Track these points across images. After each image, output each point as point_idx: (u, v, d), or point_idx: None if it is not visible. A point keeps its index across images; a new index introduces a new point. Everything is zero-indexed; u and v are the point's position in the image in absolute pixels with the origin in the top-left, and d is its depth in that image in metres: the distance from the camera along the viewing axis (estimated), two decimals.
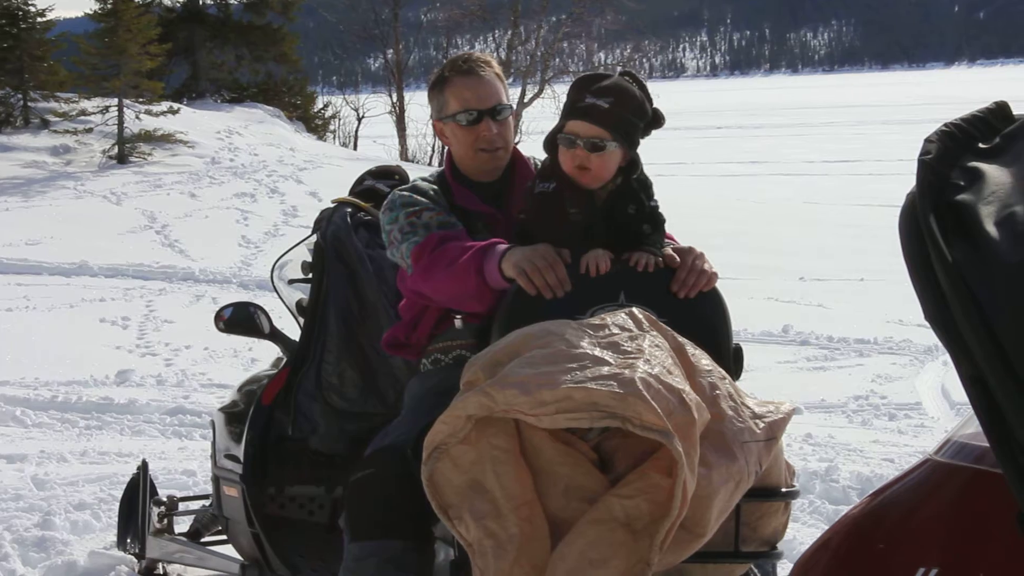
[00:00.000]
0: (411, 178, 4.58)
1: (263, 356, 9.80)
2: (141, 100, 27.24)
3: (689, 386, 3.15)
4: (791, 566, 2.61)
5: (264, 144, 28.80)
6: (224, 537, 5.66)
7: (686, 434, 3.00)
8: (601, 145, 3.77)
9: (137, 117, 26.73)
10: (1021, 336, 2.04)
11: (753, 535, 3.44)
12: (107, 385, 10.00)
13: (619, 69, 4.07)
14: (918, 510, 2.38)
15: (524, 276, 3.63)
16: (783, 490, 3.48)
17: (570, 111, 3.82)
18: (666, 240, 3.93)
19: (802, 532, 6.25)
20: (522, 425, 3.15)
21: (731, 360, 3.75)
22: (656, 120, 3.90)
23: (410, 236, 4.05)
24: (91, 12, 27.61)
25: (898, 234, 2.25)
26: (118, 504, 6.29)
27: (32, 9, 28.27)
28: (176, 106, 28.22)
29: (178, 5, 34.82)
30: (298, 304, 5.43)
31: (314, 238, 5.24)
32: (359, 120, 37.07)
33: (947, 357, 7.87)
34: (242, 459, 5.16)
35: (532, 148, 4.63)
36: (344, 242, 5.06)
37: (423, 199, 4.16)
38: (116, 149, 26.15)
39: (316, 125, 35.80)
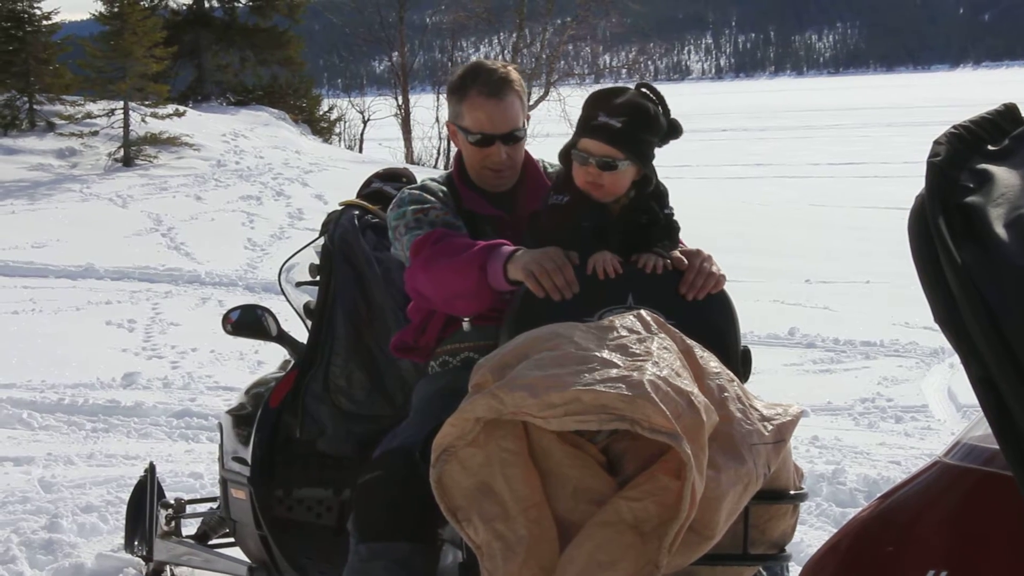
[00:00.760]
0: (418, 180, 4.58)
1: (269, 359, 9.80)
2: (147, 103, 27.25)
3: (698, 388, 3.15)
4: (799, 569, 2.60)
5: (270, 147, 28.79)
6: (232, 539, 5.66)
7: (695, 436, 3.00)
8: (613, 164, 3.78)
9: (143, 120, 26.73)
10: None
11: (762, 537, 3.44)
12: (114, 388, 10.01)
13: (636, 82, 4.06)
14: (927, 512, 2.37)
15: (532, 278, 3.63)
16: (791, 492, 3.48)
17: (583, 129, 3.82)
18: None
19: (809, 535, 6.24)
20: (530, 427, 3.15)
21: (739, 362, 3.75)
22: (673, 131, 3.91)
23: (414, 230, 4.06)
24: (96, 14, 27.61)
25: (907, 236, 2.25)
26: (125, 506, 6.29)
27: (38, 12, 28.30)
28: (182, 109, 28.23)
29: (184, 8, 34.83)
30: (305, 307, 5.43)
31: (321, 240, 5.24)
32: (365, 123, 37.05)
33: (954, 359, 7.91)
34: (250, 461, 5.15)
35: (537, 151, 4.62)
36: (352, 244, 5.06)
37: (431, 198, 4.16)
38: (122, 152, 26.16)
39: (322, 128, 35.78)
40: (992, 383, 2.10)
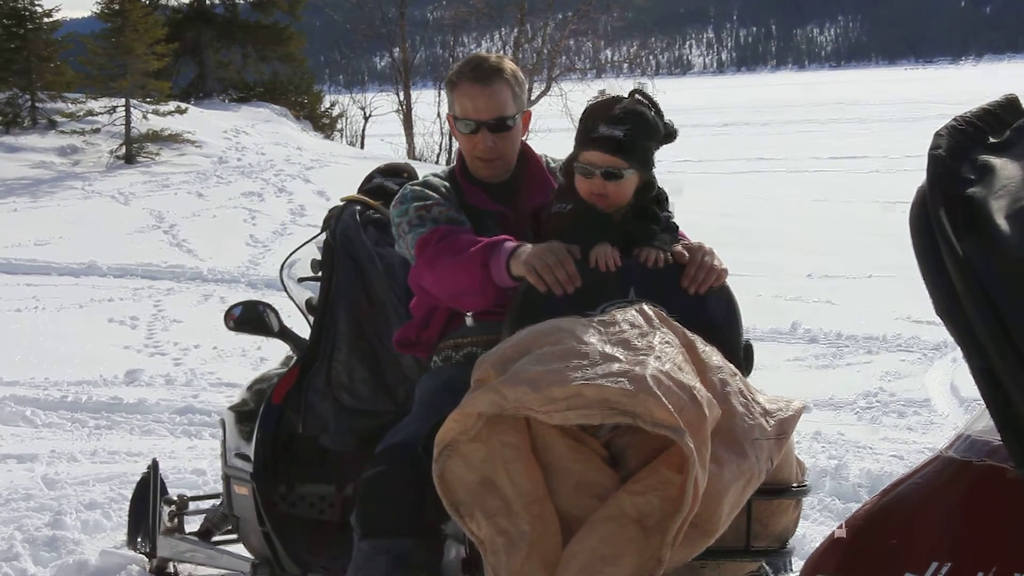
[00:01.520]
0: (419, 176, 4.59)
1: (272, 355, 9.79)
2: (148, 100, 27.26)
3: (700, 383, 3.15)
4: (802, 563, 2.60)
5: (271, 143, 28.79)
6: (235, 536, 5.67)
7: (697, 431, 3.00)
8: (618, 174, 3.79)
9: (144, 117, 26.73)
10: None
11: (764, 532, 3.45)
12: (116, 385, 10.01)
13: (630, 89, 4.06)
14: (930, 505, 2.37)
15: (534, 273, 3.63)
16: (794, 487, 3.49)
17: (584, 141, 3.83)
18: (676, 237, 3.94)
19: (812, 529, 6.24)
20: (533, 422, 3.15)
21: (741, 357, 3.75)
22: (669, 136, 3.91)
23: (417, 227, 4.07)
24: (98, 12, 27.61)
25: (908, 228, 2.25)
26: (128, 503, 6.30)
27: (39, 9, 28.28)
28: (183, 106, 28.23)
29: (184, 5, 34.84)
30: (307, 302, 5.43)
31: (323, 236, 5.24)
32: (366, 119, 37.05)
33: (957, 354, 7.90)
34: (252, 458, 5.16)
35: (539, 146, 4.62)
36: (353, 240, 5.06)
37: (434, 194, 4.17)
38: (123, 149, 26.16)
39: (323, 124, 35.80)
40: (994, 375, 2.10)
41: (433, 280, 3.98)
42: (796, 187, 28.18)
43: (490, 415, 3.12)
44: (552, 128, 26.13)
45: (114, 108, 26.72)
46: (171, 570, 6.06)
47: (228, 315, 5.58)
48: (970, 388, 8.96)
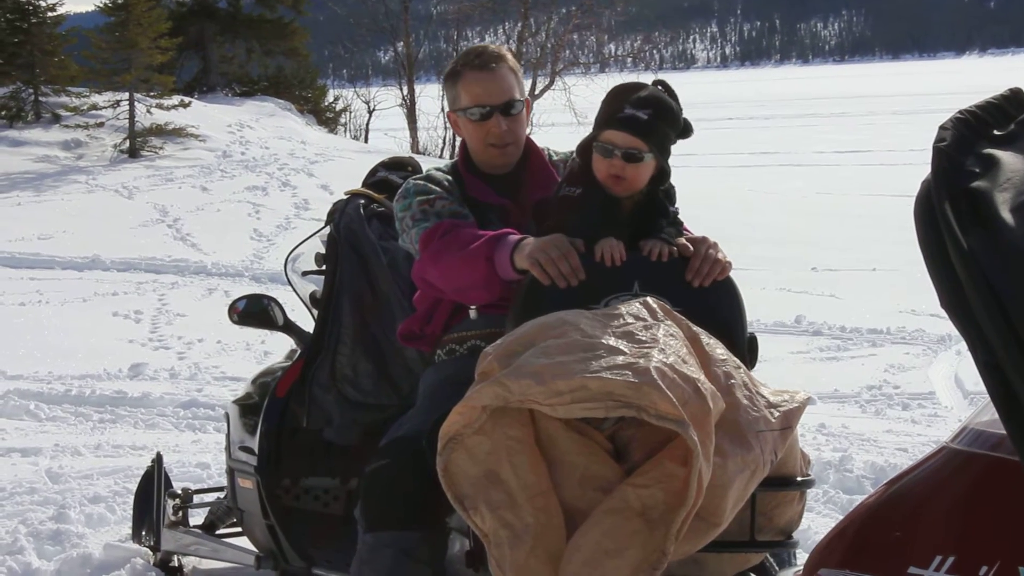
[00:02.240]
0: (423, 170, 4.59)
1: (276, 349, 9.80)
2: (152, 94, 27.26)
3: (704, 375, 3.15)
4: (806, 555, 2.61)
5: (275, 137, 28.80)
6: (239, 529, 5.67)
7: (701, 423, 3.00)
8: (639, 156, 3.78)
9: (148, 111, 26.73)
10: None
11: (769, 524, 3.45)
12: (120, 379, 10.02)
13: (654, 80, 4.06)
14: (935, 498, 2.38)
15: (538, 266, 3.63)
16: (798, 479, 3.49)
17: (608, 120, 3.82)
18: (680, 230, 3.93)
19: (816, 522, 6.24)
20: (537, 415, 3.15)
21: (745, 349, 3.75)
22: (685, 130, 3.91)
23: (421, 222, 4.08)
24: (101, 6, 27.61)
25: (913, 221, 2.25)
26: (133, 497, 6.29)
27: (43, 4, 28.26)
28: (187, 100, 28.24)
29: None
30: (312, 296, 5.43)
31: (327, 230, 5.23)
32: (370, 113, 37.06)
33: (961, 346, 7.89)
34: (257, 451, 5.16)
35: (542, 140, 4.62)
36: (358, 233, 5.06)
37: (437, 188, 4.17)
38: (127, 143, 26.16)
39: (327, 118, 35.82)
40: (998, 368, 2.10)
41: (437, 274, 3.98)
42: (800, 181, 28.16)
43: (494, 408, 3.12)
44: (556, 122, 26.11)
45: (118, 102, 26.70)
46: (175, 563, 6.06)
47: (232, 309, 5.58)
48: (974, 381, 8.97)
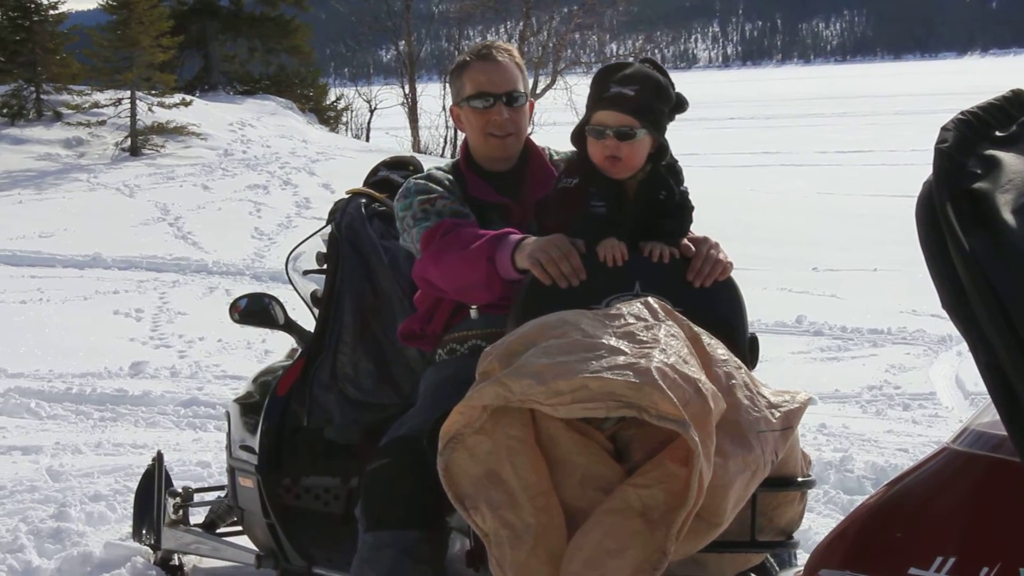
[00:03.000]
0: (425, 169, 4.59)
1: (276, 348, 9.80)
2: (154, 92, 27.28)
3: (705, 376, 3.15)
4: (807, 556, 2.61)
5: (277, 136, 28.80)
6: (239, 528, 5.67)
7: (702, 423, 3.00)
8: (631, 133, 3.77)
9: (150, 109, 26.75)
10: None
11: (769, 525, 3.44)
12: (121, 377, 10.03)
13: (640, 58, 4.07)
14: (936, 499, 2.38)
15: (539, 266, 3.63)
16: (799, 480, 3.48)
17: (596, 102, 3.81)
18: None
19: (817, 522, 6.24)
20: (538, 415, 3.15)
21: (747, 350, 3.75)
22: (679, 105, 3.90)
23: (422, 221, 4.08)
24: (103, 4, 27.62)
25: (915, 222, 2.25)
26: (133, 495, 6.29)
27: (44, 2, 28.28)
28: (189, 98, 28.25)
29: None
30: (312, 295, 5.43)
31: (328, 229, 5.23)
32: (371, 112, 37.06)
33: (962, 347, 7.87)
34: (257, 450, 5.16)
35: (544, 139, 4.63)
36: (359, 232, 5.06)
37: (438, 187, 4.18)
38: (129, 141, 26.17)
39: (328, 117, 35.82)
40: (1000, 369, 2.10)
41: (439, 274, 3.98)
42: (801, 181, 28.17)
43: (495, 408, 3.12)
44: (557, 122, 26.08)
45: (119, 100, 26.71)
46: (176, 562, 6.06)
47: (233, 307, 5.59)
48: (975, 382, 8.97)
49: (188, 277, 15.03)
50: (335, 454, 5.14)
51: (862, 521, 2.46)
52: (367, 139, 35.98)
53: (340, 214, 5.14)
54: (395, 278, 4.99)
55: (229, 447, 5.52)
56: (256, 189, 22.24)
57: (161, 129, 26.60)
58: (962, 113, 2.37)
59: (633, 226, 3.78)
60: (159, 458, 6.14)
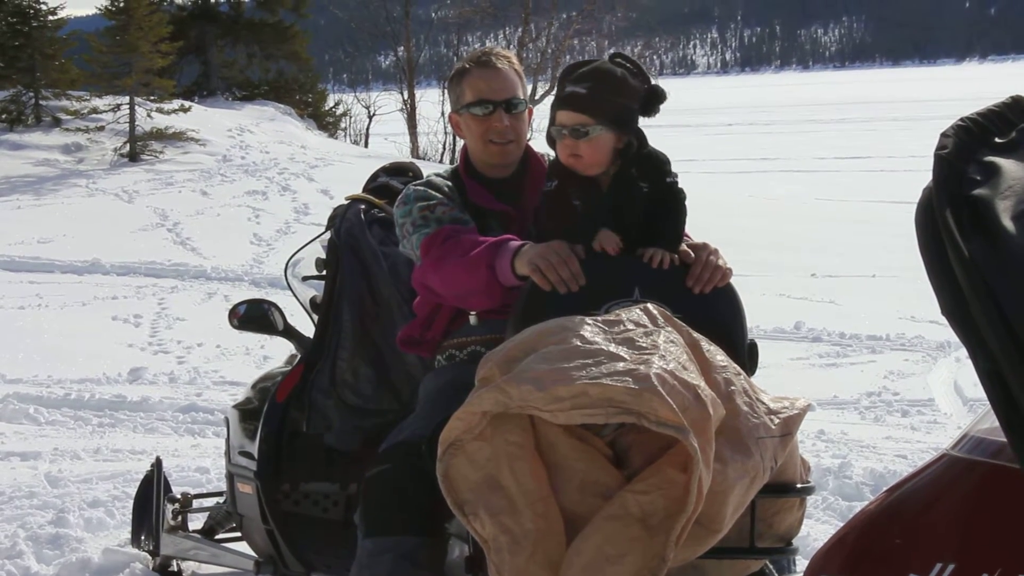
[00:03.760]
0: (424, 175, 4.60)
1: (275, 354, 9.81)
2: (152, 98, 27.28)
3: (704, 382, 3.15)
4: (806, 562, 2.60)
5: (275, 142, 28.82)
6: (238, 534, 5.67)
7: (701, 430, 3.00)
8: (584, 131, 3.80)
9: (148, 115, 26.77)
10: None
11: (768, 531, 3.44)
12: (120, 383, 10.02)
13: (609, 54, 4.09)
14: (935, 505, 2.37)
15: (538, 272, 3.63)
16: (798, 486, 3.48)
17: (555, 102, 3.88)
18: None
19: (815, 528, 6.24)
20: (537, 421, 3.15)
21: (746, 356, 3.75)
22: (655, 97, 3.90)
23: (422, 228, 4.08)
24: (102, 9, 27.63)
25: (914, 228, 2.25)
26: (132, 501, 6.29)
27: (43, 7, 28.31)
28: (187, 104, 28.25)
29: (189, 3, 34.88)
30: (312, 301, 5.43)
31: (328, 235, 5.23)
32: (370, 118, 37.07)
33: (960, 353, 7.88)
34: (256, 456, 5.16)
35: (543, 146, 4.63)
36: (358, 238, 5.06)
37: (437, 194, 4.18)
38: (128, 147, 26.19)
39: (327, 123, 35.83)
40: (999, 376, 2.10)
41: (439, 281, 3.98)
42: (800, 187, 28.20)
43: (495, 414, 3.12)
44: None
45: (118, 106, 26.74)
46: (174, 568, 6.06)
47: (232, 313, 5.59)
48: (973, 388, 8.98)
49: (187, 283, 15.02)
50: (334, 460, 5.14)
51: (861, 527, 2.46)
52: (366, 145, 35.99)
53: (339, 220, 5.14)
54: (394, 284, 4.99)
55: (228, 453, 5.52)
56: (255, 195, 22.25)
57: (160, 135, 26.61)
58: (962, 119, 2.37)
59: (615, 219, 3.78)
60: (158, 464, 6.14)
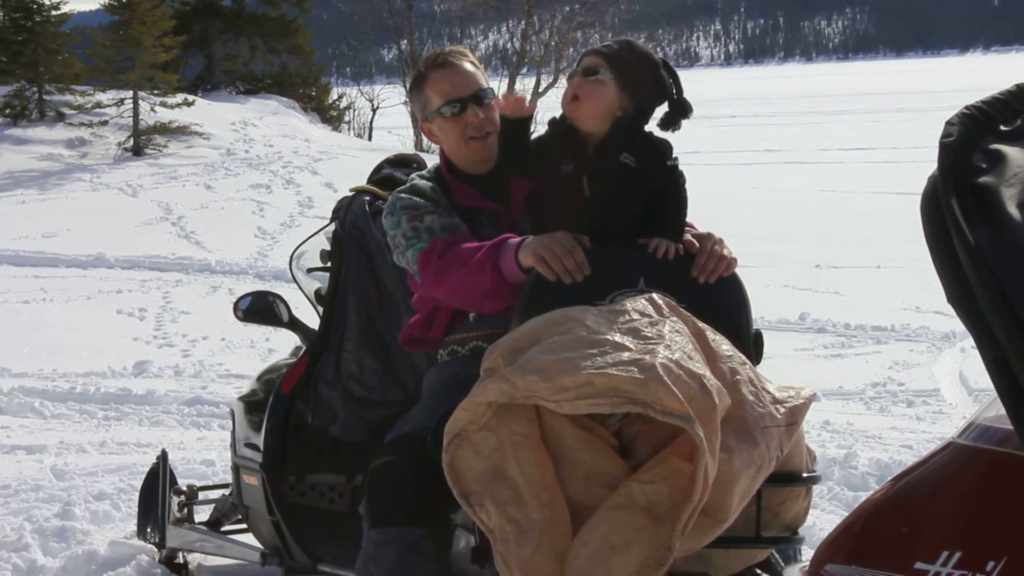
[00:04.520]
0: (428, 166, 4.58)
1: (280, 346, 9.82)
2: (156, 92, 27.32)
3: (710, 371, 3.15)
4: (812, 552, 2.60)
5: (279, 135, 28.83)
6: (244, 526, 5.67)
7: (707, 419, 3.00)
8: (595, 70, 3.82)
9: (152, 109, 26.78)
10: None
11: (774, 520, 3.44)
12: (125, 376, 10.03)
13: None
14: (941, 493, 2.37)
15: (543, 262, 3.62)
16: (804, 475, 3.48)
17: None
18: (686, 227, 3.91)
19: (821, 518, 6.24)
20: (542, 411, 3.15)
21: (751, 345, 3.74)
22: (682, 109, 3.89)
23: (414, 242, 4.02)
24: (105, 4, 27.65)
25: (920, 217, 2.25)
26: (138, 494, 6.30)
27: (47, 2, 28.31)
28: (191, 98, 28.29)
29: None
30: (316, 293, 5.43)
31: (332, 227, 5.23)
32: (374, 111, 37.09)
33: (965, 343, 7.87)
34: (262, 447, 5.16)
35: None
36: (363, 230, 5.05)
37: (423, 201, 4.13)
38: (131, 141, 26.21)
39: (331, 116, 35.85)
40: (1006, 364, 2.10)
41: (444, 293, 3.95)
42: (804, 178, 28.18)
43: (500, 404, 3.12)
44: None
45: (122, 100, 26.76)
46: (180, 560, 6.06)
47: (237, 306, 5.58)
48: (979, 378, 8.97)
49: (191, 276, 15.03)
50: (339, 451, 5.14)
51: (867, 516, 2.46)
52: (369, 138, 36.01)
53: (344, 212, 5.13)
54: (399, 275, 4.98)
55: (233, 445, 5.52)
56: (259, 188, 22.26)
57: (164, 129, 26.63)
58: (967, 108, 2.36)
59: (591, 185, 3.79)
60: (163, 456, 6.15)
